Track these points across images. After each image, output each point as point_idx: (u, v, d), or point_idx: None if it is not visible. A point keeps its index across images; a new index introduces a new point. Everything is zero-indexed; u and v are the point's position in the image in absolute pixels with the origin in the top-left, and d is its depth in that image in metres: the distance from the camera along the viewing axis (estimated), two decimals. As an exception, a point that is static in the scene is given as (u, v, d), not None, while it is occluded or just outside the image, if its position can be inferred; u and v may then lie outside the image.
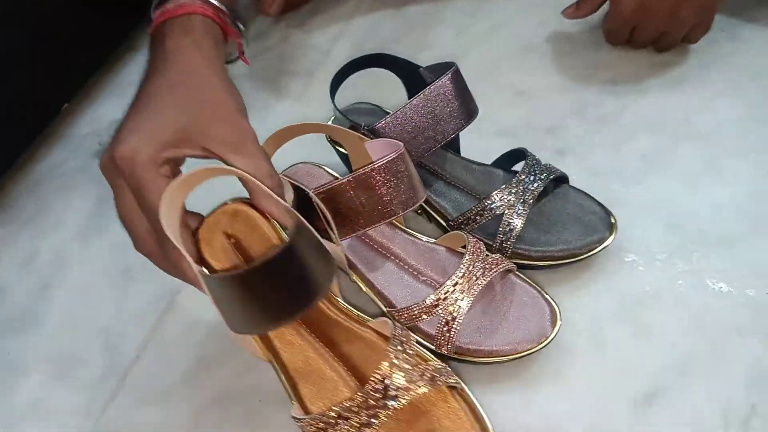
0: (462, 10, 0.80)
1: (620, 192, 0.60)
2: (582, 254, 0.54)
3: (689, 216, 0.58)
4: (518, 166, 0.59)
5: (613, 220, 0.55)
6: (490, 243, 0.55)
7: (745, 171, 0.60)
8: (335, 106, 0.58)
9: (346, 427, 0.43)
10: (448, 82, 0.54)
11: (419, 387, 0.43)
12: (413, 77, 0.59)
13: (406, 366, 0.44)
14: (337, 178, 0.54)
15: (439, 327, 0.50)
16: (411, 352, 0.45)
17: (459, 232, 0.54)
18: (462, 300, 0.50)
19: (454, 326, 0.49)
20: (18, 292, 0.66)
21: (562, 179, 0.57)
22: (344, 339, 0.50)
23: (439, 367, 0.46)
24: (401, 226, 0.57)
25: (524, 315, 0.51)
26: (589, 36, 0.74)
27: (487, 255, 0.52)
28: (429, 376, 0.44)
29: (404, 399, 0.42)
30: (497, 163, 0.60)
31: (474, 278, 0.50)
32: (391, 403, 0.42)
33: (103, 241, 0.68)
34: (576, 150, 0.65)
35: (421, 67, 0.58)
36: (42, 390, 0.58)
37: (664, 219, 0.58)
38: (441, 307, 0.50)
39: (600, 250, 0.54)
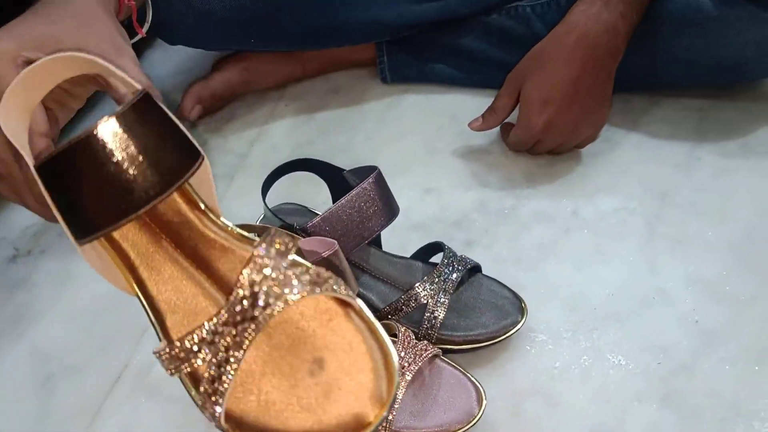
0: (369, 117, 0.88)
1: (522, 278, 0.67)
2: (499, 336, 0.60)
3: (584, 297, 0.66)
4: (435, 258, 0.65)
5: (523, 305, 0.61)
6: (416, 330, 0.59)
7: (626, 254, 0.69)
8: (267, 207, 0.62)
9: (209, 354, 0.34)
10: (372, 183, 0.59)
11: (295, 294, 0.34)
12: (337, 180, 0.64)
13: (280, 269, 0.35)
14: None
15: None
16: (288, 256, 0.37)
17: (389, 321, 0.59)
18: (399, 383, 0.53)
19: (392, 411, 0.53)
20: (-75, 408, 0.63)
21: (476, 269, 0.63)
22: (223, 261, 0.40)
23: (327, 276, 0.37)
24: (332, 319, 0.61)
25: (452, 397, 0.55)
26: (483, 140, 0.83)
27: (415, 342, 0.56)
28: (309, 281, 0.35)
29: (277, 307, 0.34)
30: (416, 256, 0.65)
31: (406, 365, 0.54)
32: (260, 313, 0.34)
33: (20, 349, 0.66)
34: (481, 241, 0.72)
35: (344, 170, 0.64)
36: None
37: (564, 301, 0.65)
38: None
39: (514, 332, 0.60)
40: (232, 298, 0.34)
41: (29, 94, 0.39)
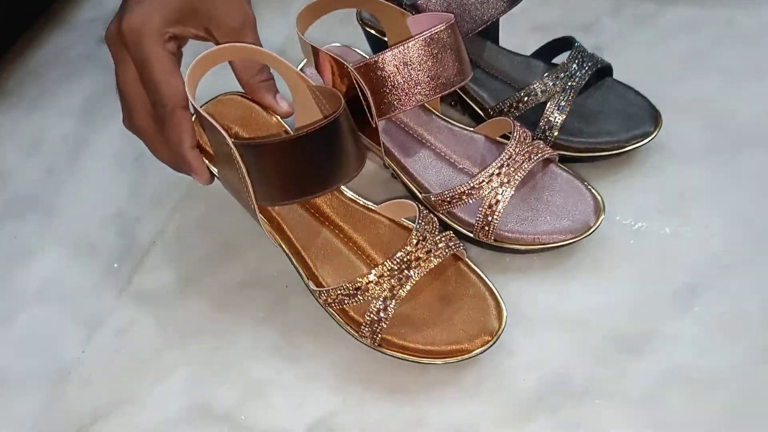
0: None
1: (659, 89, 0.57)
2: (625, 147, 0.52)
3: (728, 115, 0.56)
4: (559, 59, 0.57)
5: (658, 115, 0.53)
6: (531, 134, 0.53)
7: (786, 73, 0.58)
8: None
9: (371, 290, 0.44)
10: (496, -42, 0.51)
11: (437, 257, 0.44)
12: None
13: (430, 237, 0.45)
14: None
15: (482, 212, 0.48)
16: (436, 228, 0.46)
17: (504, 117, 0.52)
18: (505, 185, 0.48)
19: (498, 210, 0.48)
20: (21, 176, 0.63)
21: (606, 71, 0.55)
22: (357, 224, 0.50)
23: (451, 236, 0.46)
24: (438, 113, 0.55)
25: (567, 204, 0.49)
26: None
27: (531, 141, 0.50)
28: (444, 245, 0.45)
29: (427, 266, 0.44)
30: (537, 55, 0.57)
31: (518, 164, 0.48)
32: (415, 270, 0.44)
33: (113, 127, 0.64)
34: (612, 47, 0.62)
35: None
36: (53, 273, 0.56)
37: (706, 118, 0.56)
38: (484, 190, 0.48)
39: (644, 144, 0.52)
40: (399, 254, 0.44)
41: (198, 72, 0.45)
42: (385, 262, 0.44)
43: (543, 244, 0.49)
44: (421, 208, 0.47)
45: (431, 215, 0.47)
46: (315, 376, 0.47)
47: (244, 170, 0.42)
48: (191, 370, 0.49)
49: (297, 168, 0.42)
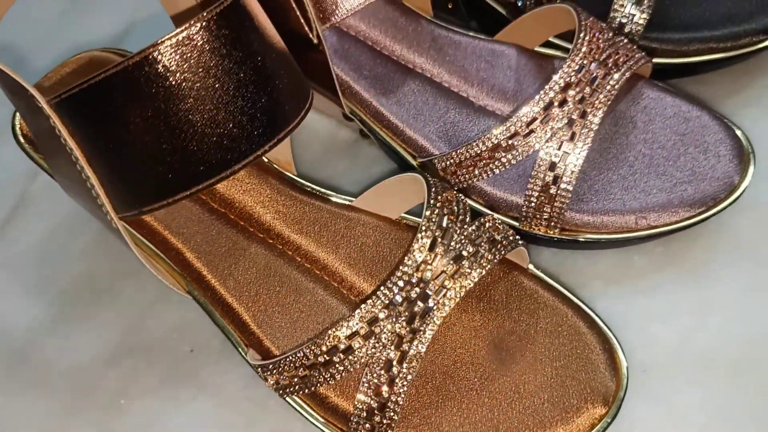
0: None
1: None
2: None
3: None
4: None
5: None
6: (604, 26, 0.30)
7: None
8: None
9: (360, 349, 0.26)
10: None
11: (479, 266, 0.26)
12: None
13: (454, 242, 0.26)
14: None
15: (534, 183, 0.26)
16: (461, 216, 0.27)
17: (558, 4, 0.29)
18: (578, 125, 0.26)
19: (564, 182, 0.26)
20: None
21: None
22: (319, 234, 0.31)
23: (497, 223, 0.28)
24: (428, 17, 0.32)
25: (685, 153, 0.28)
26: None
27: (613, 38, 0.28)
28: (488, 243, 0.27)
29: (459, 287, 0.26)
30: None
31: (595, 81, 0.27)
32: (437, 297, 0.26)
33: None
34: None
35: None
36: None
37: None
38: (533, 142, 0.26)
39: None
40: (393, 280, 0.26)
41: None
42: (380, 292, 0.26)
43: (650, 230, 0.28)
44: (433, 181, 0.28)
45: (453, 191, 0.28)
46: None
47: (78, 154, 0.24)
48: None
49: (173, 118, 0.23)
